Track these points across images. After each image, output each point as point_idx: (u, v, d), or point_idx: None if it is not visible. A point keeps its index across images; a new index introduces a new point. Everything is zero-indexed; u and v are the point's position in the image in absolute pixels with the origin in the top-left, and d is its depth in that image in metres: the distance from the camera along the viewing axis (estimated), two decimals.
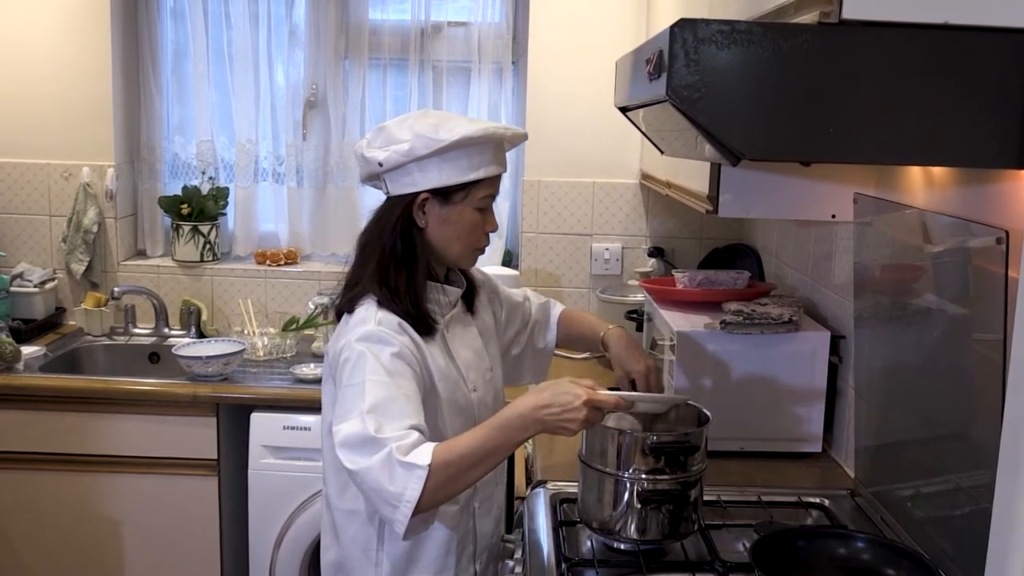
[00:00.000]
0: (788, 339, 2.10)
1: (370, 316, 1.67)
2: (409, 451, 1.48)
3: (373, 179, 1.77)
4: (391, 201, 1.74)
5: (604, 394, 1.55)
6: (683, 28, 1.18)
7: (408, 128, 1.69)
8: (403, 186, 1.71)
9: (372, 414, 1.52)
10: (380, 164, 1.70)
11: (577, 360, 3.07)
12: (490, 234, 1.79)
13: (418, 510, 1.47)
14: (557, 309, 2.12)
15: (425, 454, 1.48)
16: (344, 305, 1.74)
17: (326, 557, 1.83)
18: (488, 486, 1.86)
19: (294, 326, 3.08)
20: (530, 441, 2.29)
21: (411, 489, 1.46)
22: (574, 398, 1.51)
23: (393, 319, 1.66)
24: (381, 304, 1.68)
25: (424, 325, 1.70)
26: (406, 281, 1.70)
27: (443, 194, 1.70)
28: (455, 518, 1.76)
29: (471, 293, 1.88)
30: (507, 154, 1.84)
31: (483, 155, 1.71)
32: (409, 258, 1.71)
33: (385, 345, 1.61)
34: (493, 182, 1.75)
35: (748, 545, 1.63)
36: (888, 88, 1.19)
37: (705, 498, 1.75)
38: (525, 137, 1.85)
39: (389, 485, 1.47)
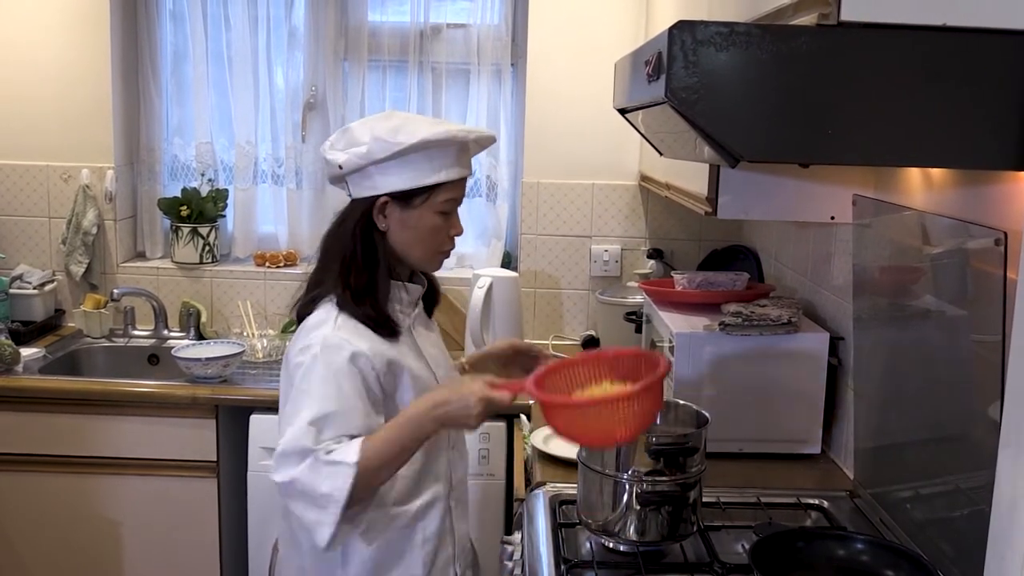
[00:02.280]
0: (787, 340, 2.10)
1: (329, 319, 1.65)
2: (333, 452, 1.54)
3: (337, 181, 1.75)
4: (353, 204, 1.72)
5: (499, 394, 1.57)
6: (682, 30, 1.19)
7: (368, 130, 1.66)
8: (363, 189, 1.69)
9: (314, 426, 1.56)
10: (340, 167, 1.68)
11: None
12: (455, 237, 1.75)
13: (346, 507, 1.52)
14: None
15: (352, 451, 1.53)
16: (304, 308, 1.72)
17: (287, 569, 1.78)
18: (461, 484, 1.86)
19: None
20: (529, 442, 2.29)
21: (339, 488, 1.52)
22: (470, 395, 1.56)
23: (352, 323, 1.66)
24: (341, 307, 1.67)
25: (387, 328, 1.69)
26: (367, 284, 1.68)
27: (403, 198, 1.67)
28: (429, 514, 1.74)
29: (433, 298, 1.87)
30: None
31: (444, 158, 1.67)
32: (371, 261, 1.69)
33: (339, 350, 1.61)
34: (456, 186, 1.71)
35: (747, 546, 1.63)
36: (887, 90, 1.19)
37: (704, 499, 1.75)
38: (493, 140, 1.80)
39: (320, 487, 1.52)
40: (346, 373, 1.61)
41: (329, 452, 1.54)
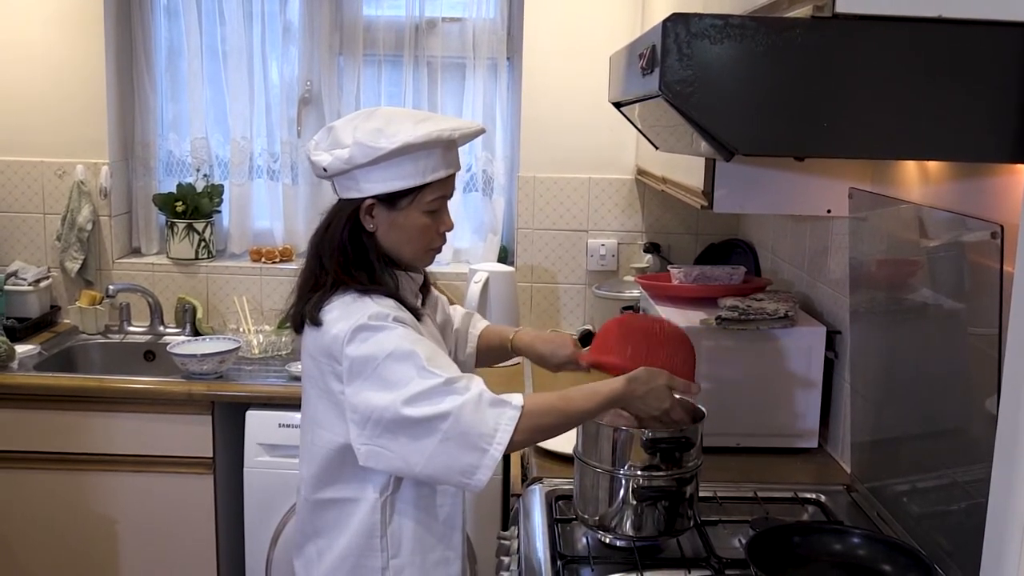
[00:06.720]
0: (784, 335, 2.09)
1: (362, 301, 1.63)
2: (497, 394, 1.55)
3: (325, 179, 1.72)
4: (340, 203, 1.70)
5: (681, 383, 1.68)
6: (676, 22, 1.18)
7: (351, 132, 1.63)
8: (349, 190, 1.67)
9: (432, 365, 1.55)
10: (324, 169, 1.66)
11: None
12: (446, 233, 1.74)
13: (509, 448, 1.53)
14: (480, 325, 2.05)
15: (516, 396, 1.56)
16: (312, 309, 1.66)
17: (326, 560, 1.72)
18: None
19: (288, 325, 3.06)
20: None
21: (504, 428, 1.52)
22: (664, 386, 1.65)
23: (389, 301, 1.65)
24: (367, 293, 1.64)
25: (413, 312, 1.69)
26: (369, 280, 1.67)
27: (389, 200, 1.65)
28: (456, 495, 1.74)
29: (425, 287, 1.86)
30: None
31: (429, 159, 1.65)
32: (365, 262, 1.68)
33: (393, 321, 1.60)
34: (443, 184, 1.69)
35: (744, 541, 1.62)
36: (882, 82, 1.18)
37: (701, 494, 1.75)
38: (480, 132, 1.75)
39: (480, 425, 1.51)
40: (415, 329, 1.62)
41: (492, 394, 1.55)
